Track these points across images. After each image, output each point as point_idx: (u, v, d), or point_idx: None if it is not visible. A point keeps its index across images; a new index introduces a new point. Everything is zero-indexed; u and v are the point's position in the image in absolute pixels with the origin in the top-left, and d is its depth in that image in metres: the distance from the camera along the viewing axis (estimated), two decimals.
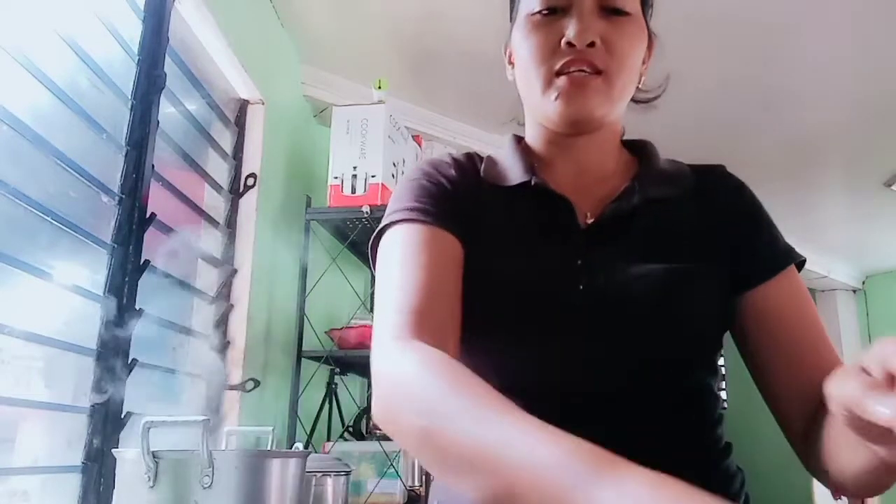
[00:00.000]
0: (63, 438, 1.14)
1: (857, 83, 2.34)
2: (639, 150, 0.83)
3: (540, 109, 0.75)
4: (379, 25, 2.08)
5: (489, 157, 0.82)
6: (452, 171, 0.78)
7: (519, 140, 0.83)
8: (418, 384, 0.55)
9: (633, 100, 0.81)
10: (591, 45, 0.70)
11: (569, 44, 0.70)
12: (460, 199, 0.75)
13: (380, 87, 2.05)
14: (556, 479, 0.42)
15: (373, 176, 1.96)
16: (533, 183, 0.75)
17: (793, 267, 0.74)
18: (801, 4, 1.93)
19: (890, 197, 3.23)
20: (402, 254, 0.68)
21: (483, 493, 0.47)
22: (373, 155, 1.97)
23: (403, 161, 2.13)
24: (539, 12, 0.73)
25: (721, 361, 0.76)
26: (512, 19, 0.80)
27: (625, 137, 0.84)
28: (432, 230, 0.70)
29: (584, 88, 0.70)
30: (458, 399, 0.52)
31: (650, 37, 0.79)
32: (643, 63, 0.78)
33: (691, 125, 2.46)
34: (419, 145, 2.32)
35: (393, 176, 2.04)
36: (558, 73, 0.71)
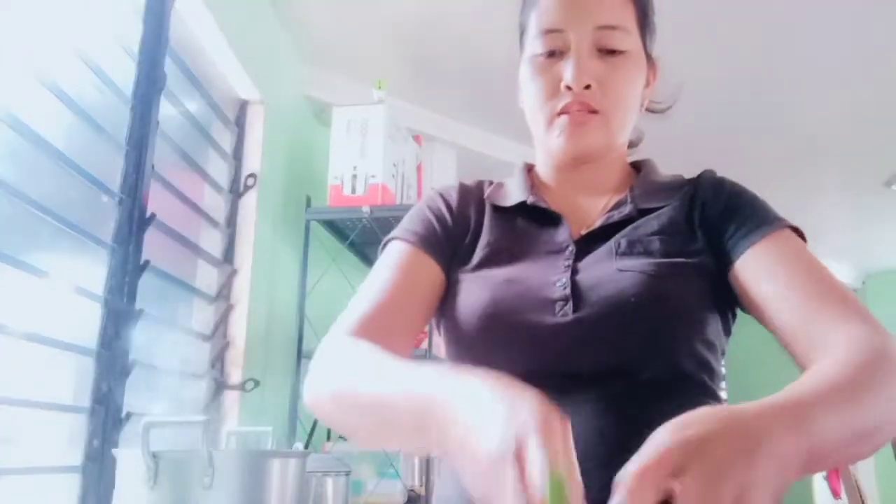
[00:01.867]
0: (63, 438, 1.14)
1: (856, 83, 2.34)
2: (639, 168, 0.87)
3: (544, 144, 0.81)
4: (379, 26, 2.08)
5: (498, 183, 0.89)
6: (455, 196, 0.86)
7: (530, 168, 0.89)
8: (338, 361, 0.66)
9: (649, 110, 0.87)
10: (588, 87, 0.75)
11: (567, 87, 0.75)
12: (457, 222, 0.82)
13: (380, 88, 2.05)
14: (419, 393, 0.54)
15: (373, 176, 1.95)
16: (529, 202, 0.81)
17: (777, 234, 0.72)
18: (801, 5, 1.93)
19: (890, 197, 3.23)
20: (380, 266, 0.79)
21: (371, 436, 0.62)
22: (373, 155, 1.97)
23: (403, 161, 2.13)
24: (541, 55, 0.78)
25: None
26: (521, 49, 0.83)
27: (637, 146, 0.90)
28: (415, 252, 0.79)
29: (583, 126, 0.76)
30: (364, 366, 0.63)
31: (652, 62, 0.83)
32: (647, 86, 0.84)
33: (691, 126, 2.46)
34: (419, 145, 2.32)
35: (393, 176, 2.03)
36: (559, 113, 0.77)
